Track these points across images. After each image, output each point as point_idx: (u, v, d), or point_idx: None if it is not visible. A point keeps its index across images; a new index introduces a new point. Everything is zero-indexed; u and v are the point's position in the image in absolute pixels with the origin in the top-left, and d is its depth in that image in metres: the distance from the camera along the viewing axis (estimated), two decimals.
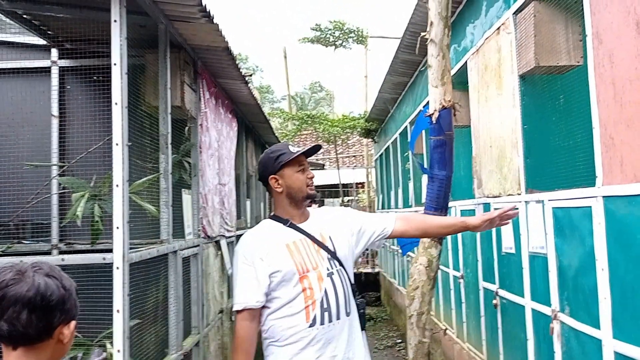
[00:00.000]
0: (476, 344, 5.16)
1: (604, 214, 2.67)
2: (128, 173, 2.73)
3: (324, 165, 19.88)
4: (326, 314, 2.32)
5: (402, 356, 8.65)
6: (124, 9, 2.64)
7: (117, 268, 2.60)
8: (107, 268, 3.05)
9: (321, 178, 16.10)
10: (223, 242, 5.33)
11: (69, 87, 4.32)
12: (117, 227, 2.61)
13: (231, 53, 4.20)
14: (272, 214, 2.57)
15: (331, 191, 17.47)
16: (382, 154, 12.49)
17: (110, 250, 2.86)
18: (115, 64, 2.61)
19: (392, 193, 11.13)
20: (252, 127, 7.91)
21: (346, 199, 17.66)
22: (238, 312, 2.36)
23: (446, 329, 5.75)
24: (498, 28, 4.06)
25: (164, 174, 3.45)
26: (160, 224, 3.44)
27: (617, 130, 2.52)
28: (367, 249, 2.84)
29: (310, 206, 2.61)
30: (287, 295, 2.33)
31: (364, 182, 17.88)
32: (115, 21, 2.59)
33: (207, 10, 3.28)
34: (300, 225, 2.46)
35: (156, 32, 3.65)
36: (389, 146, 11.05)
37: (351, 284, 2.46)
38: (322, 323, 2.32)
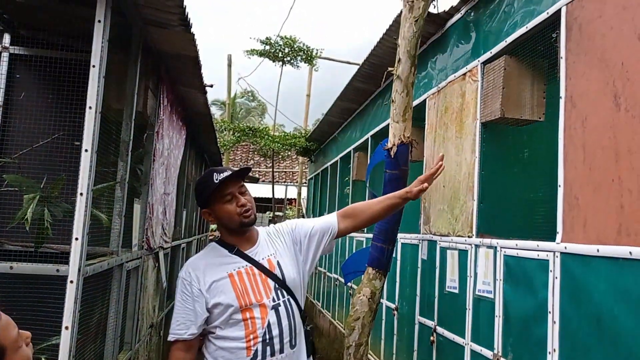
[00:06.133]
0: None
1: (560, 269, 2.78)
2: (93, 181, 2.58)
3: (258, 178, 19.80)
4: (268, 348, 2.23)
5: None
6: (109, 9, 2.51)
7: (71, 282, 2.43)
8: (49, 278, 2.86)
9: (254, 192, 16.00)
10: (161, 254, 5.14)
11: (18, 76, 4.05)
12: (76, 239, 2.44)
13: (199, 63, 4.09)
14: (219, 237, 2.44)
15: (261, 205, 17.38)
16: (318, 174, 12.55)
17: (61, 258, 2.68)
18: (94, 66, 2.48)
19: (325, 214, 11.18)
20: (197, 135, 7.74)
21: (274, 214, 17.61)
22: (172, 342, 2.27)
23: None
24: (464, 74, 4.19)
25: (121, 183, 3.29)
26: (111, 234, 3.27)
27: (583, 192, 2.64)
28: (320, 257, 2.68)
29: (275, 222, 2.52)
30: (227, 327, 2.24)
31: (294, 199, 17.90)
32: (99, 21, 2.47)
33: (188, 19, 3.18)
34: (248, 252, 2.34)
35: (124, 33, 3.49)
36: (327, 168, 11.12)
37: (301, 312, 2.37)
38: (263, 358, 2.22)
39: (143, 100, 3.69)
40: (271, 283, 2.29)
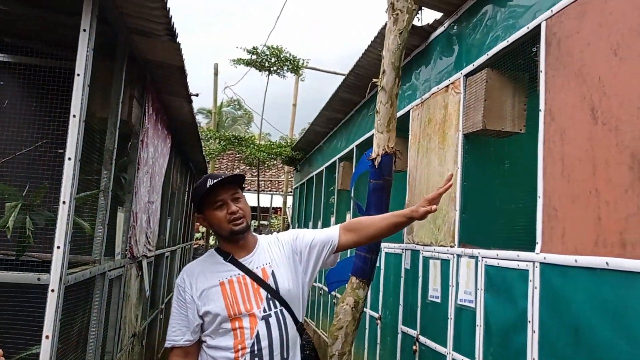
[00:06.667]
0: None
1: (539, 279, 2.83)
2: (77, 190, 2.57)
3: (244, 187, 19.74)
4: (257, 359, 2.19)
5: None
6: (95, 19, 2.52)
7: (52, 291, 2.42)
8: (30, 287, 2.84)
9: None
10: (144, 263, 5.12)
11: (2, 83, 4.04)
12: (58, 247, 2.43)
13: (184, 72, 4.11)
14: (216, 245, 2.44)
15: None
16: (303, 184, 12.56)
17: (42, 267, 2.67)
18: (78, 75, 2.48)
19: (310, 224, 11.19)
20: (182, 143, 7.73)
21: (259, 223, 17.60)
22: (170, 349, 2.28)
23: None
24: (447, 86, 4.25)
25: (104, 191, 3.28)
26: (94, 243, 3.25)
27: (561, 204, 2.69)
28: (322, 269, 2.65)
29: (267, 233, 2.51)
30: (217, 337, 2.23)
31: (279, 208, 17.92)
32: (84, 30, 2.47)
33: (173, 29, 3.20)
34: (242, 260, 2.31)
35: (110, 41, 3.50)
36: (312, 177, 11.14)
37: (297, 324, 2.31)
38: None
39: (128, 109, 3.69)
40: (263, 293, 2.26)
